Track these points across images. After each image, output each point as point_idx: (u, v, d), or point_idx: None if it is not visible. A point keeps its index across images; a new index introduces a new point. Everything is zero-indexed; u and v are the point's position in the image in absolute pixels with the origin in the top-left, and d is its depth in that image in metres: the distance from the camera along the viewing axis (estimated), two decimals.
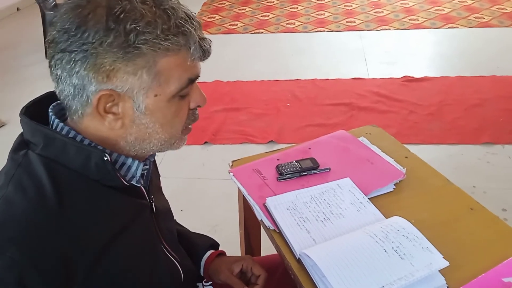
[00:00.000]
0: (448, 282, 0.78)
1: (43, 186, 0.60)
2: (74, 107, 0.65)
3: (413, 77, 2.89)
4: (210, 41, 0.68)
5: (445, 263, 0.78)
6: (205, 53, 0.67)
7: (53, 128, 0.67)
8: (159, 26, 0.61)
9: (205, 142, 2.43)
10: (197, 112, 0.74)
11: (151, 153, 0.73)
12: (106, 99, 0.63)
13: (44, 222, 0.59)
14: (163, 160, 2.26)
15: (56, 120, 0.67)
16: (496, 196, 1.95)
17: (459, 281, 0.78)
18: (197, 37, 0.65)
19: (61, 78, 0.63)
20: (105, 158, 0.63)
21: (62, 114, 0.69)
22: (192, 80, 0.68)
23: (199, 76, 0.70)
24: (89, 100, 0.63)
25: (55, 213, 0.59)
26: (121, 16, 0.59)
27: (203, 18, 4.03)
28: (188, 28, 0.63)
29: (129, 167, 0.69)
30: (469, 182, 2.02)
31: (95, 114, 0.64)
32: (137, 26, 0.59)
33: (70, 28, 0.60)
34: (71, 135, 0.66)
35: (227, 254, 1.03)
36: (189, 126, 0.74)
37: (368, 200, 0.97)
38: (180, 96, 0.67)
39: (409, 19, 3.71)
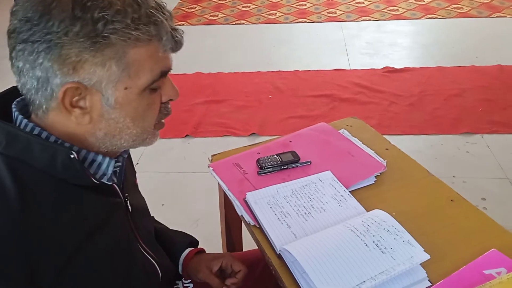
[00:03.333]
0: (429, 275, 0.78)
1: (6, 187, 0.57)
2: (37, 102, 0.61)
3: (393, 68, 2.89)
4: (182, 31, 0.66)
5: (426, 256, 0.78)
6: (177, 44, 0.65)
7: (17, 125, 0.63)
8: (129, 15, 0.58)
9: (186, 135, 2.40)
10: (169, 106, 0.71)
11: (123, 149, 0.70)
12: (73, 93, 0.60)
13: (7, 225, 0.56)
14: (143, 154, 2.22)
15: (20, 117, 0.63)
16: (475, 186, 1.97)
17: (440, 274, 0.78)
18: (168, 27, 0.63)
19: (23, 70, 0.60)
20: (72, 156, 0.60)
21: (26, 110, 0.65)
22: (164, 73, 0.66)
23: (171, 69, 0.67)
24: (54, 94, 0.60)
25: (20, 216, 0.56)
26: (88, 4, 0.56)
27: (183, 9, 3.96)
28: (159, 18, 0.61)
29: (100, 164, 0.66)
30: (449, 172, 2.04)
31: (60, 109, 0.61)
32: (106, 15, 0.57)
33: (32, 17, 0.57)
34: (35, 132, 0.62)
35: (209, 249, 1.01)
36: (162, 121, 0.71)
37: (349, 193, 0.96)
38: (151, 89, 0.65)
39: (390, 10, 3.71)
